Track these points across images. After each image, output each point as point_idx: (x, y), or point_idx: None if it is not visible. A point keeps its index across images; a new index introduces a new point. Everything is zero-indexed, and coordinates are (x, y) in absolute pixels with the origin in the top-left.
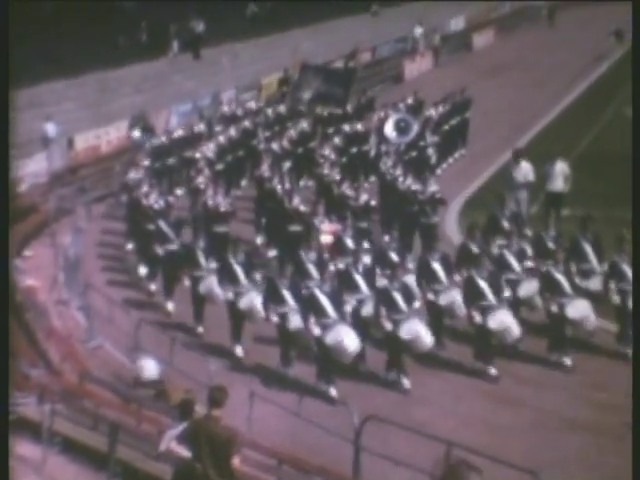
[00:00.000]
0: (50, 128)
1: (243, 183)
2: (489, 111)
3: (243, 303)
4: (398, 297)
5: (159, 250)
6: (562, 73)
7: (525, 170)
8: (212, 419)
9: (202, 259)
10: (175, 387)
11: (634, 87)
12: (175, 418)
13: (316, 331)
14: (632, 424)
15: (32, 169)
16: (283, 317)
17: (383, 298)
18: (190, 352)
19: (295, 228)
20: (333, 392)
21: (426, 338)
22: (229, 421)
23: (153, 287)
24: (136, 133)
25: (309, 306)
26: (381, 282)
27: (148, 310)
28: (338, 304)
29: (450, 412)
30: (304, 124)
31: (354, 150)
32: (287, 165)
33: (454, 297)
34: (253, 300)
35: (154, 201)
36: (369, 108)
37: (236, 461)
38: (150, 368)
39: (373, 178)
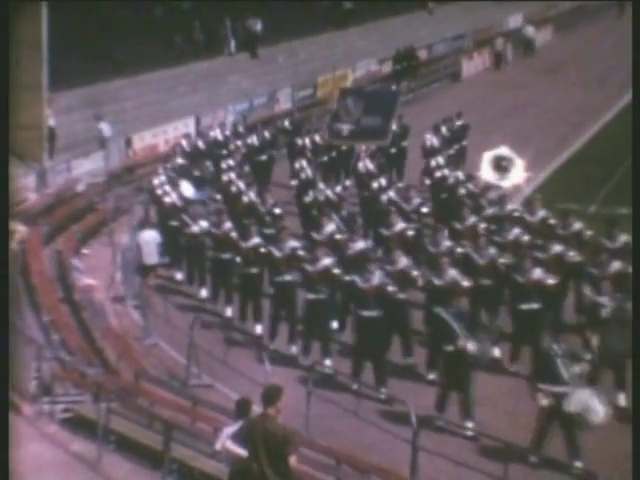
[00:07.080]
0: (104, 127)
1: None
2: (548, 110)
3: (574, 406)
4: None
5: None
6: (621, 71)
7: None
8: (267, 417)
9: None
10: None
11: (634, 87)
12: (231, 417)
13: None
14: (632, 425)
15: (89, 168)
16: None
17: None
18: (245, 351)
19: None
20: None
21: None
22: (286, 420)
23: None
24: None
25: None
26: None
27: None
28: None
29: (509, 412)
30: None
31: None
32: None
33: None
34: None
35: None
36: None
37: (293, 460)
38: None
39: None
